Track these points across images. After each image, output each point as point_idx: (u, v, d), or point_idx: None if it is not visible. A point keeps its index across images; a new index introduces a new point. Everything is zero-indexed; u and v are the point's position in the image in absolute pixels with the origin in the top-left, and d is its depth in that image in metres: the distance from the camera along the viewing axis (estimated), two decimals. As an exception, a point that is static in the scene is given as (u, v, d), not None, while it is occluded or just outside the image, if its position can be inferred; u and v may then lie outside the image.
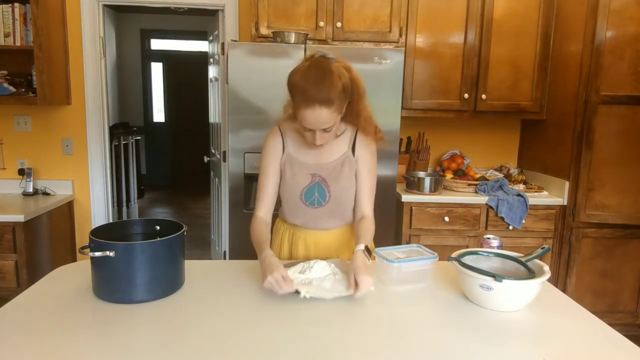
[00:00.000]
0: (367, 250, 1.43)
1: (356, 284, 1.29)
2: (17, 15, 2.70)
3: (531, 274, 1.28)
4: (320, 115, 1.37)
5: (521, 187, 2.93)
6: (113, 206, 3.41)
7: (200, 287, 1.37)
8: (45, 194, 3.05)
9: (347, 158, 1.58)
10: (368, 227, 1.55)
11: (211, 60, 3.67)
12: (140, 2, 3.19)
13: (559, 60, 2.89)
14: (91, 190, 3.19)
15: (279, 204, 1.68)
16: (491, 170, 3.24)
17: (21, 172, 3.04)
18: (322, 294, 1.29)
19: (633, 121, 2.63)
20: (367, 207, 1.60)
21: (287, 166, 1.58)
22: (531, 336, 1.15)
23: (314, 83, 1.35)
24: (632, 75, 2.59)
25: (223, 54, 3.02)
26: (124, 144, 5.03)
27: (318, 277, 1.37)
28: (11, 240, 2.53)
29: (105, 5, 3.13)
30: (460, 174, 3.05)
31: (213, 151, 3.69)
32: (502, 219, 2.76)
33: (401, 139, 3.14)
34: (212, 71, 3.60)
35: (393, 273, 1.40)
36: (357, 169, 1.59)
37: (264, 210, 1.59)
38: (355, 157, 1.58)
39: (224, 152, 3.09)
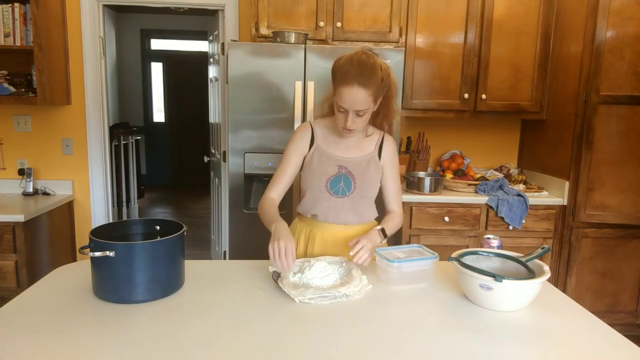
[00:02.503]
0: (384, 232, 1.57)
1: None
2: (17, 15, 2.70)
3: (531, 274, 1.28)
4: (357, 95, 1.45)
5: (521, 187, 2.93)
6: (113, 206, 3.41)
7: (200, 287, 1.37)
8: (45, 194, 3.05)
9: (373, 158, 1.65)
10: (392, 217, 1.69)
11: (211, 60, 3.67)
12: (140, 2, 3.19)
13: (559, 60, 2.89)
14: (91, 190, 3.19)
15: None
16: (491, 170, 3.24)
17: (21, 172, 3.04)
18: (318, 301, 1.28)
19: (633, 121, 2.63)
20: (395, 205, 1.72)
21: (315, 156, 1.63)
22: (531, 336, 1.15)
23: (358, 66, 1.45)
24: (632, 75, 2.59)
25: (223, 54, 3.01)
26: (124, 144, 5.02)
27: (316, 276, 1.37)
28: (11, 240, 2.53)
29: (105, 5, 3.13)
30: (460, 174, 3.04)
31: (213, 151, 3.69)
32: (502, 219, 2.76)
33: (401, 139, 3.14)
34: (212, 71, 3.60)
35: (393, 273, 1.40)
36: (384, 171, 1.67)
37: (276, 193, 1.65)
38: (382, 160, 1.66)
39: (224, 152, 3.09)
